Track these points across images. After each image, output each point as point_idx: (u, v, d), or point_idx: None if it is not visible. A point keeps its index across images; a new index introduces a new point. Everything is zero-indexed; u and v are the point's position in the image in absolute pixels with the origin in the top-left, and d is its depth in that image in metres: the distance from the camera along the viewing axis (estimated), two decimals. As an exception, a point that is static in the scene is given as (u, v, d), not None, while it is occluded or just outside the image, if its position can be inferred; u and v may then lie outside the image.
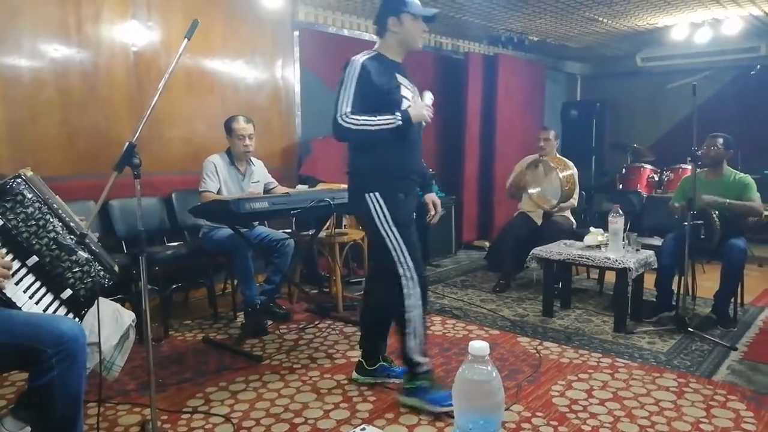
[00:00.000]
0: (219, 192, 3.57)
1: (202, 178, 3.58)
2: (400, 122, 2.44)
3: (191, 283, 3.96)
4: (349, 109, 2.44)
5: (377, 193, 2.52)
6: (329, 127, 2.56)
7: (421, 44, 2.65)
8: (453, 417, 2.43)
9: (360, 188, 2.56)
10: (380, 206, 2.52)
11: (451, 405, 2.40)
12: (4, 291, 1.70)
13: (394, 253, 2.51)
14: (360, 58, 2.50)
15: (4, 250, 1.71)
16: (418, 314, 2.53)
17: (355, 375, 2.81)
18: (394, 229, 2.52)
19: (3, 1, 3.29)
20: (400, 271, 2.51)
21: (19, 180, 1.79)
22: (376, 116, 2.42)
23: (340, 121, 2.45)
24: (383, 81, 2.48)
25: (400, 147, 2.52)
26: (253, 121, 3.71)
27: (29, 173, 1.86)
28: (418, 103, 2.55)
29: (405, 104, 2.51)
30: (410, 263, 2.52)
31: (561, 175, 4.20)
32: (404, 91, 2.55)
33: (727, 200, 3.53)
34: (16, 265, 1.75)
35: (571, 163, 4.49)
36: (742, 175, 3.69)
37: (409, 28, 2.56)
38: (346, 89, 2.47)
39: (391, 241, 2.52)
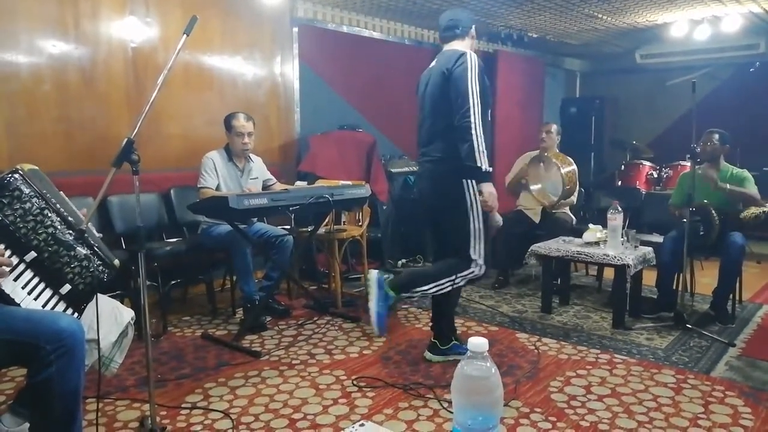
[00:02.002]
0: (218, 188, 3.57)
1: (200, 175, 3.58)
2: (488, 170, 2.61)
3: (190, 279, 3.96)
4: (479, 110, 2.57)
5: (473, 181, 2.67)
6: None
7: None
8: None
9: (457, 173, 2.67)
10: (474, 193, 2.68)
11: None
12: (2, 287, 1.69)
13: (473, 240, 2.71)
14: (472, 53, 2.63)
15: (1, 246, 1.71)
16: (470, 274, 2.79)
17: (428, 355, 2.97)
18: (481, 218, 2.72)
19: (1, -4, 3.28)
20: (474, 255, 2.72)
21: (16, 175, 1.78)
22: (483, 141, 2.58)
23: (472, 112, 2.55)
24: (485, 82, 2.65)
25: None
26: (253, 119, 3.70)
27: (27, 168, 1.85)
28: (494, 199, 2.72)
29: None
30: (483, 250, 2.74)
31: (563, 171, 4.19)
32: None
33: (728, 186, 3.54)
34: (14, 260, 1.74)
35: (571, 160, 4.49)
36: (739, 169, 3.71)
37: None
38: (472, 80, 2.57)
39: (475, 228, 2.71)
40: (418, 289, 2.75)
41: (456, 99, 2.59)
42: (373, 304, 2.72)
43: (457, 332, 3.10)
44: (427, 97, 2.80)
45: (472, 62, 2.60)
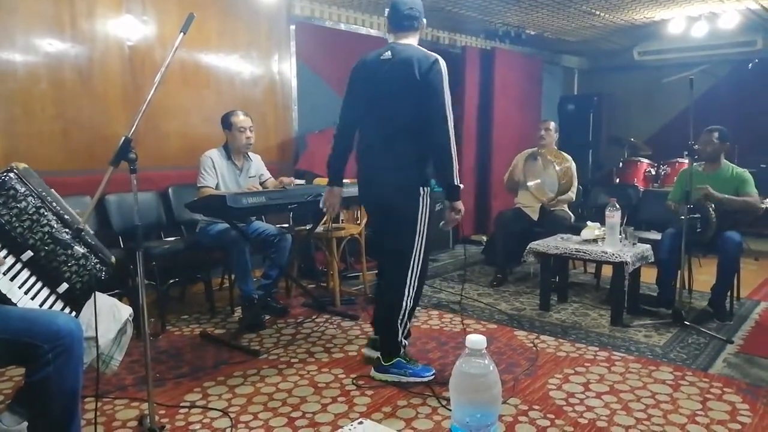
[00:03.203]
0: (217, 187, 3.57)
1: (199, 173, 3.57)
2: (458, 187, 2.54)
3: (188, 278, 3.96)
4: (452, 125, 2.50)
5: (429, 189, 2.60)
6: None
7: None
8: (431, 386, 2.58)
9: (415, 181, 2.58)
10: (427, 203, 2.60)
11: (431, 376, 2.64)
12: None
13: (415, 251, 2.60)
14: (442, 60, 2.54)
15: (-2, 246, 1.71)
16: (410, 306, 2.68)
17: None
18: (426, 230, 2.61)
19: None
20: (411, 267, 2.61)
21: (11, 174, 1.78)
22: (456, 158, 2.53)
23: (449, 128, 2.48)
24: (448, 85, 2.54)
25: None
26: (250, 116, 3.70)
27: (22, 166, 1.85)
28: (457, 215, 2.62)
29: None
30: (422, 265, 2.64)
31: (558, 168, 4.21)
32: None
33: (726, 195, 3.53)
34: (10, 260, 1.74)
35: (568, 157, 4.50)
36: (740, 169, 3.69)
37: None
38: (447, 92, 2.50)
39: (419, 240, 2.60)
40: (398, 336, 2.66)
41: (433, 113, 2.47)
42: (408, 379, 2.64)
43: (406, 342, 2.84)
44: (384, 96, 2.59)
45: (445, 70, 2.51)
